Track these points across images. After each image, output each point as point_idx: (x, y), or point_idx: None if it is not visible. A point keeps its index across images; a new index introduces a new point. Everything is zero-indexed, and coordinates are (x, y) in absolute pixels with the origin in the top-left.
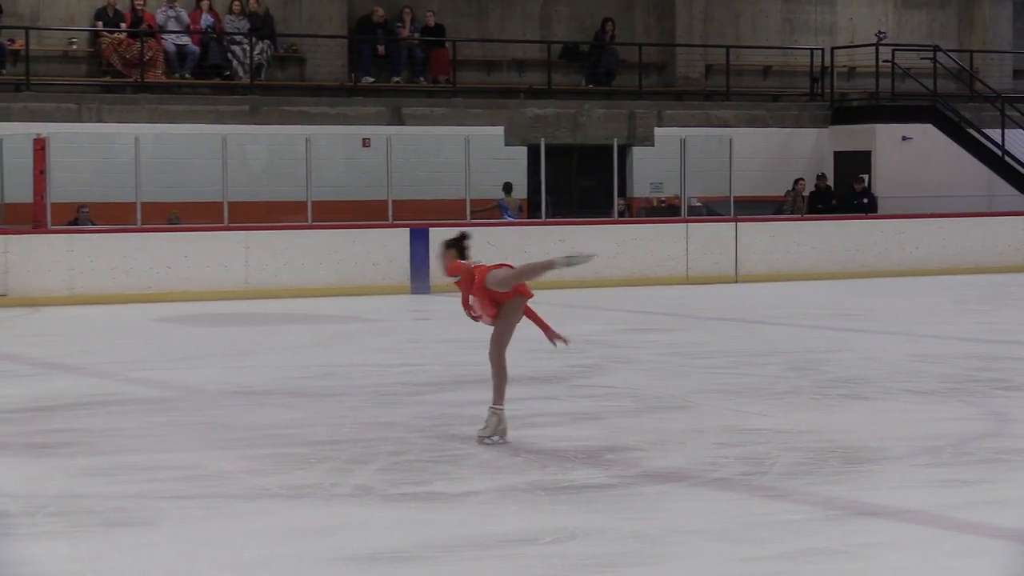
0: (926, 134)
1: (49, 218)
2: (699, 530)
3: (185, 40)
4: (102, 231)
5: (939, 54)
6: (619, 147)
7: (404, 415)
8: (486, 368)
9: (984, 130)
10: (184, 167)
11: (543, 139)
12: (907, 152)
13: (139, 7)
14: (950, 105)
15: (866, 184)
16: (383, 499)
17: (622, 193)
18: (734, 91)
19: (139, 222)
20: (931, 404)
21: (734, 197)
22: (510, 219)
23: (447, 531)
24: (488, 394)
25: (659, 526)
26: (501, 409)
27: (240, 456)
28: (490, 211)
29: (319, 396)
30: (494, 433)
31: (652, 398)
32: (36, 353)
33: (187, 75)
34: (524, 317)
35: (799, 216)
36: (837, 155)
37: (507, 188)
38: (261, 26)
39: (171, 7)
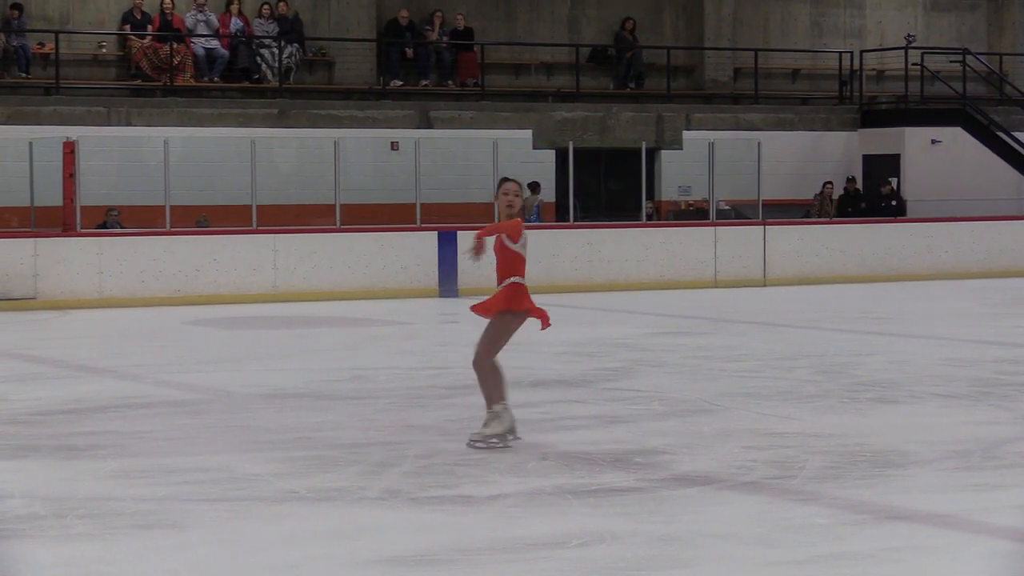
0: (955, 137)
1: (79, 221)
2: (728, 534)
3: (214, 44)
4: (131, 234)
5: (968, 57)
6: (647, 150)
7: (433, 418)
8: (515, 372)
9: (1014, 133)
10: (213, 170)
11: (571, 142)
12: (936, 155)
13: (168, 11)
14: (979, 108)
15: (893, 187)
16: (411, 502)
17: (650, 196)
18: (763, 94)
19: (168, 225)
20: (961, 408)
21: (763, 200)
22: (527, 221)
23: (475, 534)
24: (513, 397)
25: (687, 530)
26: (502, 406)
27: (269, 459)
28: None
29: (348, 399)
30: (508, 432)
31: (680, 401)
32: (65, 356)
33: (216, 79)
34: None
35: (828, 219)
36: (866, 158)
37: (533, 187)
38: (290, 29)
39: (200, 11)
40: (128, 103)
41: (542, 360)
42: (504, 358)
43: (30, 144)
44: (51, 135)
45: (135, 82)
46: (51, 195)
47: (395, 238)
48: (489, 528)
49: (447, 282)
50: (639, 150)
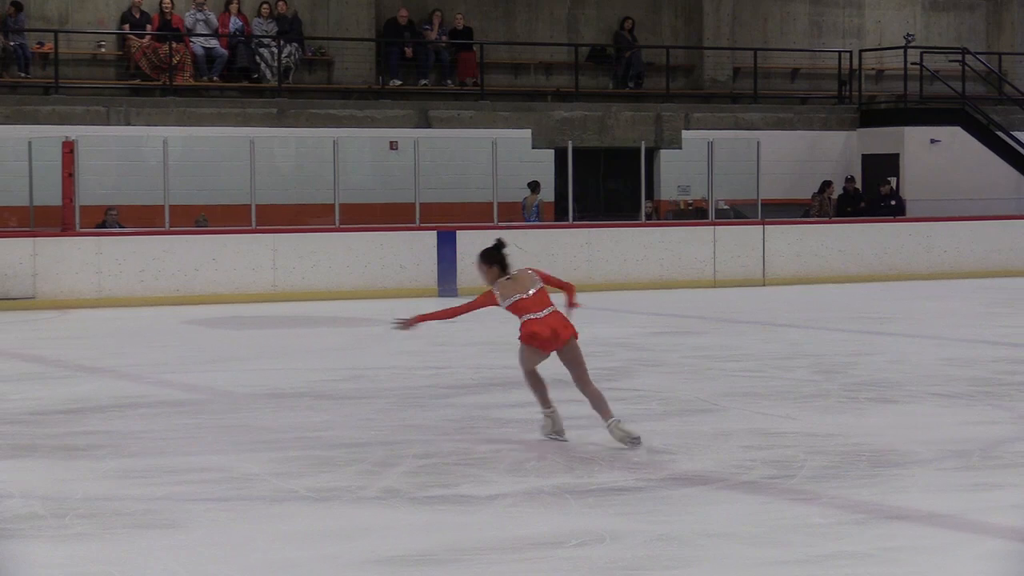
0: (954, 137)
1: (78, 221)
2: (727, 533)
3: (213, 43)
4: (130, 234)
5: (967, 56)
6: (646, 150)
7: (432, 418)
8: (514, 371)
9: (1013, 132)
10: (212, 170)
11: (570, 142)
12: (935, 155)
13: (167, 10)
14: (978, 107)
15: (892, 187)
16: (410, 502)
17: (649, 196)
18: (762, 94)
19: (167, 225)
20: (960, 408)
21: (762, 200)
22: (527, 221)
23: (474, 534)
24: (507, 397)
25: (686, 529)
26: (548, 411)
27: (268, 459)
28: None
29: (347, 399)
30: (551, 432)
31: (679, 401)
32: (65, 355)
33: (215, 78)
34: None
35: (827, 219)
36: (865, 158)
37: (533, 187)
38: (289, 29)
39: (199, 10)
40: (127, 102)
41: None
42: (504, 358)
43: (29, 143)
44: (50, 134)
45: (134, 81)
46: (50, 195)
47: (394, 237)
48: (488, 528)
49: (446, 281)
50: (638, 150)
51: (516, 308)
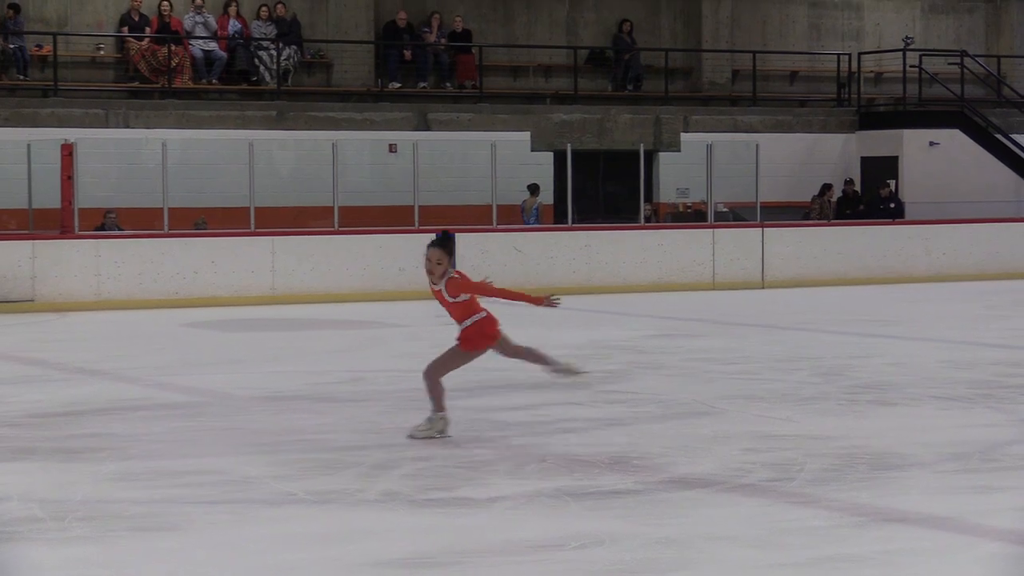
0: (953, 139)
1: (76, 223)
2: (726, 536)
3: (212, 46)
4: (129, 236)
5: (966, 59)
6: (645, 152)
7: None
8: (513, 374)
9: (1012, 135)
10: (211, 172)
11: (569, 144)
12: (934, 157)
13: (166, 13)
14: (977, 110)
15: (892, 189)
16: (409, 504)
17: (648, 198)
18: (761, 96)
19: (166, 227)
20: (959, 410)
21: (761, 203)
22: (526, 223)
23: (473, 537)
24: (508, 400)
25: (686, 532)
26: (443, 414)
27: (267, 461)
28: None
29: (346, 401)
30: (437, 431)
31: (678, 404)
32: (64, 358)
33: (214, 81)
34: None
35: (826, 222)
36: (864, 160)
37: (532, 189)
38: (288, 32)
39: (198, 13)
40: (126, 105)
41: None
42: (503, 360)
43: (28, 146)
44: (49, 137)
45: (133, 84)
46: (49, 197)
47: (393, 240)
48: (487, 530)
49: None
50: (637, 152)
51: (469, 307)
